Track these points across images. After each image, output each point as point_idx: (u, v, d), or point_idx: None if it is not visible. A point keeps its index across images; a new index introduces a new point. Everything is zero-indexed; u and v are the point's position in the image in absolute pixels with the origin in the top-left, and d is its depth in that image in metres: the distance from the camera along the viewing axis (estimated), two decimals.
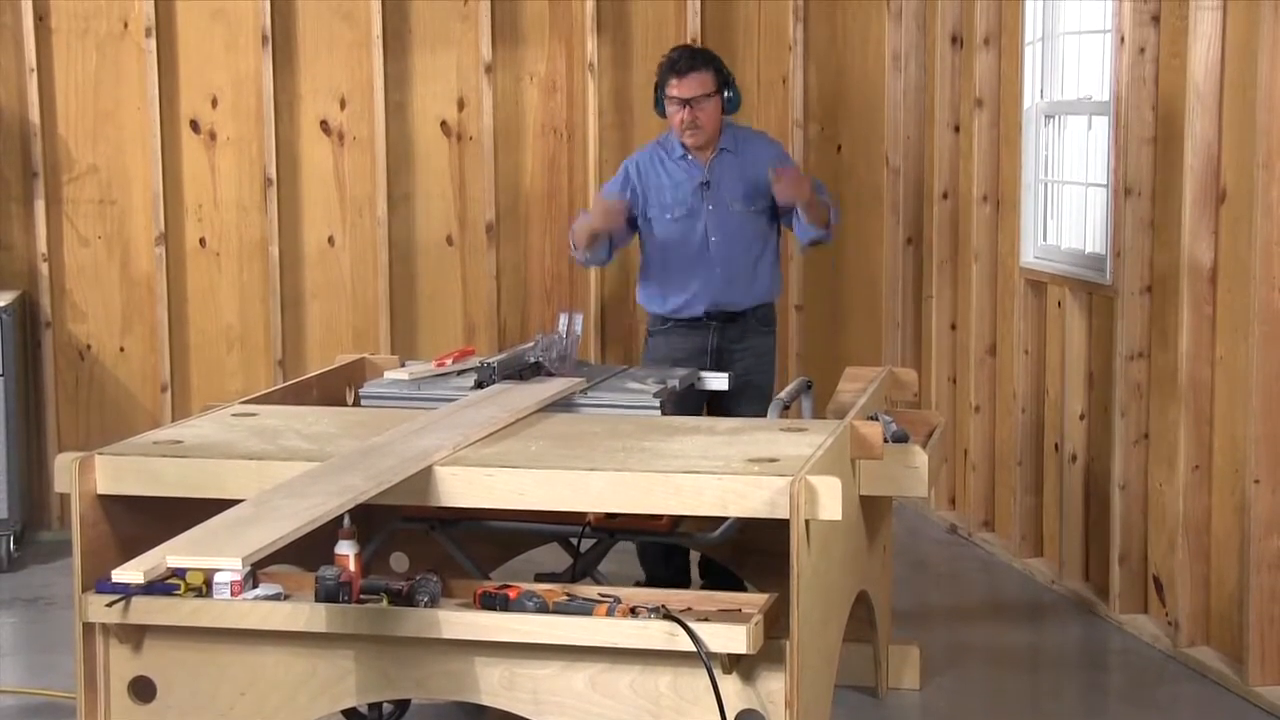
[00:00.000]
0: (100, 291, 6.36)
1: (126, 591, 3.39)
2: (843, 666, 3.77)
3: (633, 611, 3.27)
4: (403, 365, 4.69)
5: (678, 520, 3.96)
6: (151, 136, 6.29)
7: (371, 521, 4.09)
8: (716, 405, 4.99)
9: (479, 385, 4.28)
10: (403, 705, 4.16)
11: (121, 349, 6.40)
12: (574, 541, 4.15)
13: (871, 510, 4.08)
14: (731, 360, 5.12)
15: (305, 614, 3.37)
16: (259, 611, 3.40)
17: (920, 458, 3.86)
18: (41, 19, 6.22)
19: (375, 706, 4.09)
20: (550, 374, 4.40)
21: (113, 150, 6.33)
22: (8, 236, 6.27)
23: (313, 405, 4.27)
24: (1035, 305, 5.63)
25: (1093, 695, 4.66)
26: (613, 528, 4.02)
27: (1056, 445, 5.49)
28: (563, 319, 4.57)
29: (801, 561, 3.19)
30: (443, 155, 6.50)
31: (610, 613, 3.28)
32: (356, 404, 4.50)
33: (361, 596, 3.44)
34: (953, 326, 6.27)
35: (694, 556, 5.12)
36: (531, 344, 4.50)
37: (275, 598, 3.45)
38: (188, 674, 3.48)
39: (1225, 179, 4.58)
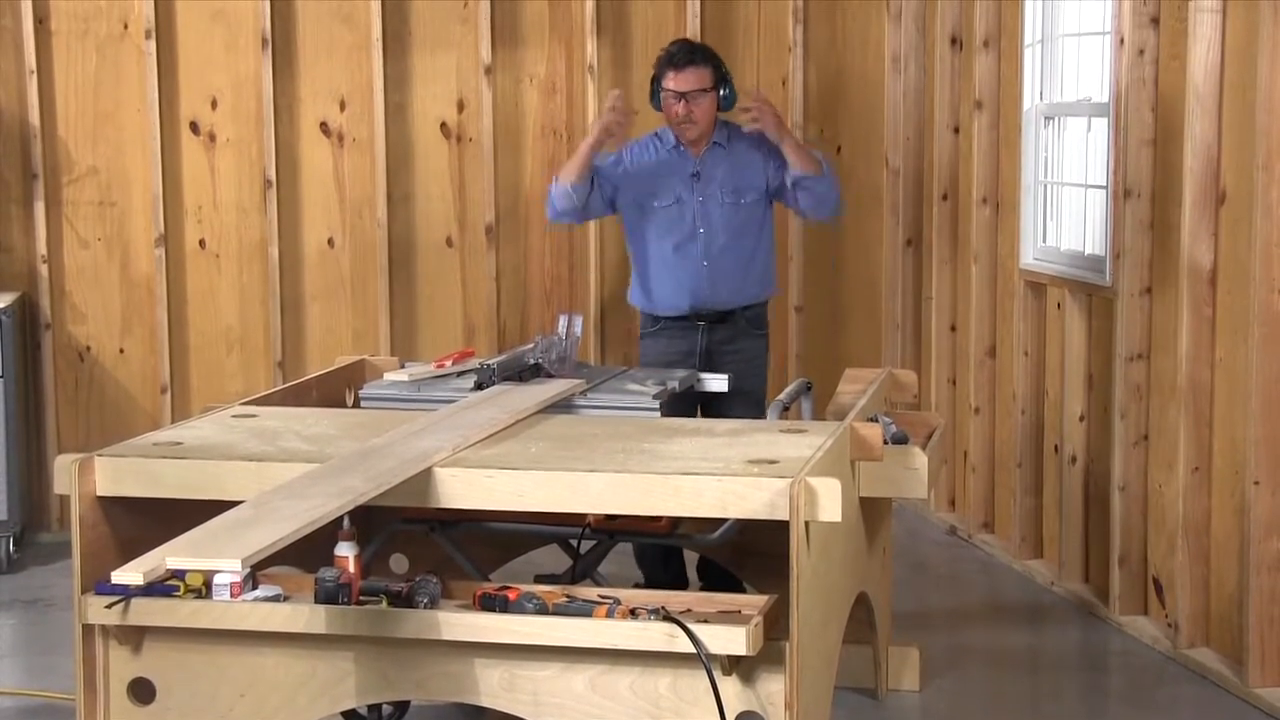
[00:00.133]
0: (100, 293, 6.36)
1: (126, 593, 3.39)
2: (842, 668, 3.77)
3: (632, 613, 3.27)
4: (402, 367, 4.70)
5: (677, 522, 3.96)
6: (151, 138, 6.30)
7: (371, 523, 4.08)
8: (708, 411, 4.96)
9: (479, 387, 4.28)
10: (402, 707, 4.16)
11: (121, 350, 6.40)
12: (574, 543, 4.15)
13: (871, 512, 4.08)
14: (722, 364, 5.07)
15: (305, 615, 3.37)
16: (258, 613, 3.40)
17: (920, 459, 3.86)
18: (41, 21, 6.22)
19: (375, 708, 4.09)
20: (550, 375, 4.39)
21: (112, 152, 6.33)
22: (7, 238, 6.27)
23: (312, 407, 4.27)
24: (1035, 307, 5.63)
25: (1092, 697, 4.66)
26: (612, 529, 4.02)
27: (1056, 447, 5.49)
28: (562, 320, 4.57)
29: (801, 563, 3.19)
30: (442, 157, 6.50)
31: (610, 614, 3.28)
32: (356, 405, 4.50)
33: (361, 598, 3.44)
34: (952, 328, 6.27)
35: (693, 558, 5.13)
36: (531, 345, 4.50)
37: (275, 599, 3.45)
38: (187, 675, 3.48)
39: (1225, 180, 4.58)
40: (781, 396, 4.35)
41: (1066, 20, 5.57)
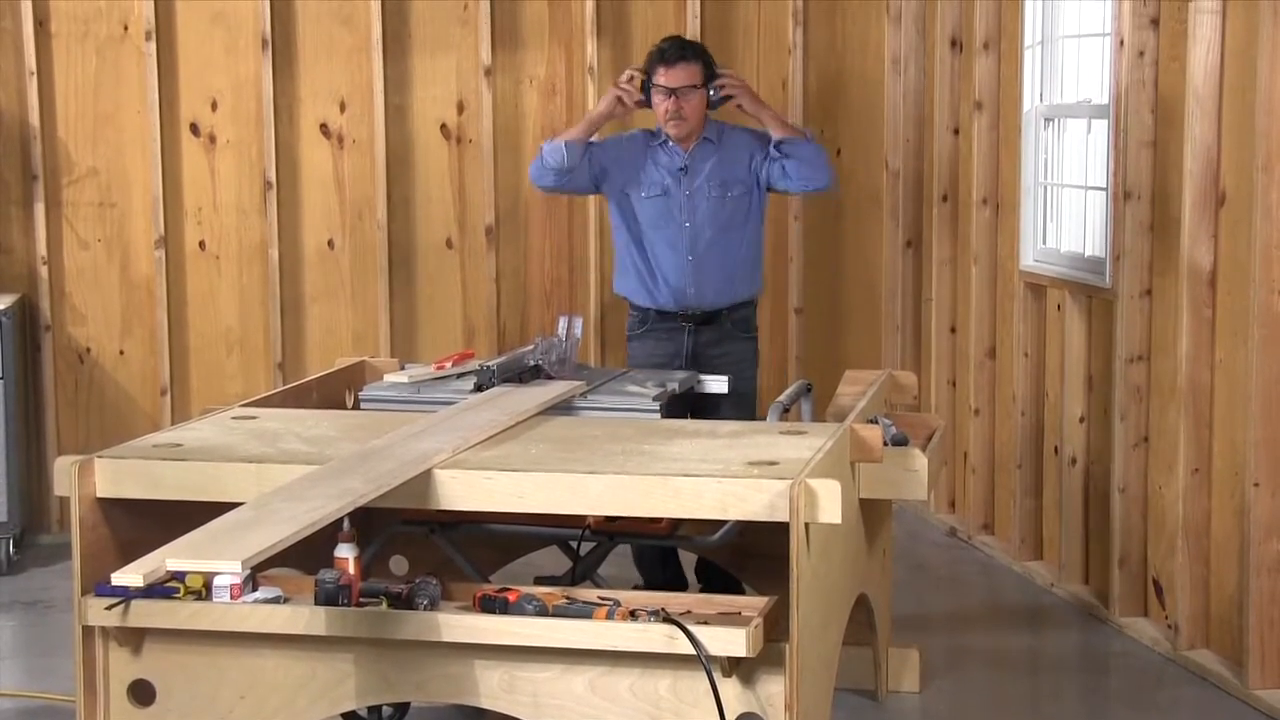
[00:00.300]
0: (100, 294, 6.36)
1: (126, 594, 3.38)
2: (842, 669, 3.77)
3: (632, 615, 3.27)
4: (402, 368, 4.69)
5: (677, 524, 3.96)
6: (151, 140, 6.30)
7: (371, 524, 4.08)
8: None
9: (478, 388, 4.28)
10: (402, 708, 4.16)
11: (121, 352, 6.40)
12: (574, 545, 4.15)
13: (871, 513, 4.08)
14: (709, 367, 5.04)
15: (305, 617, 3.37)
16: (258, 614, 3.39)
17: (920, 461, 3.86)
18: (41, 23, 6.22)
19: (375, 710, 4.09)
20: (550, 377, 4.39)
21: (112, 153, 6.33)
22: (7, 239, 6.27)
23: (312, 408, 4.27)
24: (1035, 308, 5.63)
25: (1092, 698, 4.66)
26: (612, 531, 4.02)
27: (1056, 448, 5.49)
28: (562, 322, 4.57)
29: (801, 565, 3.19)
30: (442, 158, 6.51)
31: (610, 616, 3.28)
32: (356, 407, 4.50)
33: (361, 599, 3.43)
34: (952, 329, 6.27)
35: (691, 560, 5.12)
36: (531, 347, 4.50)
37: (275, 601, 3.45)
38: (187, 677, 3.48)
39: (1225, 182, 4.58)
40: (782, 398, 4.35)
41: (1066, 22, 5.57)
